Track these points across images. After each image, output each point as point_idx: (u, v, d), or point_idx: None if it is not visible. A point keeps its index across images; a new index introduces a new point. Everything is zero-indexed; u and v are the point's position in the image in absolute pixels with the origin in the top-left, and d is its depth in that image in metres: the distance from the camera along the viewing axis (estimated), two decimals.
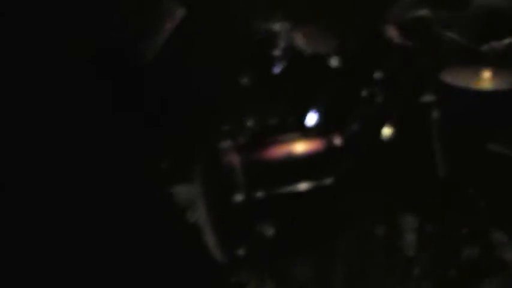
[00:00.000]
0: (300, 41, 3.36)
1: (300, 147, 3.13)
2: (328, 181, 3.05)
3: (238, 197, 2.87)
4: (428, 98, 2.84)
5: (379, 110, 3.02)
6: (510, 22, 3.46)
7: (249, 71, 3.29)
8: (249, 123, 3.23)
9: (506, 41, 3.31)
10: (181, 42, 3.78)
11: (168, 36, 3.81)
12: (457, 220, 3.12)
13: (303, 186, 3.04)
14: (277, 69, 3.22)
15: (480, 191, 3.15)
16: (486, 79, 2.96)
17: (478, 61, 3.06)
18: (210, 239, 3.06)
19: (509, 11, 3.49)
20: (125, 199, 3.46)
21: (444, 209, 3.08)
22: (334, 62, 3.17)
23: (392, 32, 3.52)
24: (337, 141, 3.10)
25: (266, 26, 3.43)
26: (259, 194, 2.93)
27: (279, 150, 3.10)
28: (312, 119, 3.17)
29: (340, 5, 4.44)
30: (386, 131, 2.96)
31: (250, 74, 3.28)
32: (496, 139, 3.46)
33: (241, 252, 2.92)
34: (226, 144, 3.02)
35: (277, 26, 3.40)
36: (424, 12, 3.10)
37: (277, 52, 3.26)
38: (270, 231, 2.90)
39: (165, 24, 3.86)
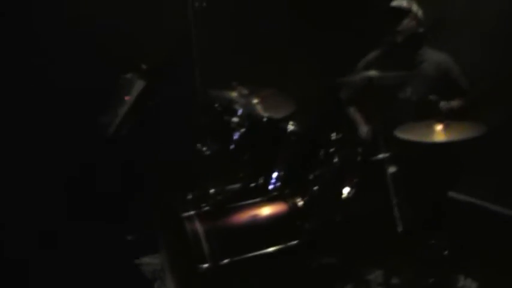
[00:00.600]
0: (257, 107, 3.43)
1: (264, 211, 3.15)
2: (294, 243, 3.08)
3: (205, 265, 2.86)
4: (383, 155, 2.90)
5: (338, 170, 3.07)
6: (456, 81, 3.64)
7: (209, 138, 3.33)
8: (212, 190, 3.26)
9: (455, 102, 3.47)
10: (140, 114, 3.83)
11: (128, 108, 3.86)
12: (423, 271, 3.16)
13: (269, 249, 3.05)
14: (236, 136, 3.27)
15: (442, 240, 3.21)
16: (439, 132, 3.05)
17: (430, 117, 3.15)
18: None
19: (455, 70, 3.66)
20: (93, 272, 3.43)
21: (409, 261, 3.12)
22: (291, 126, 3.24)
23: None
24: (300, 203, 3.14)
25: (224, 93, 3.50)
26: (226, 261, 2.93)
27: (243, 216, 3.11)
28: (273, 183, 3.21)
29: (296, 70, 4.59)
30: (346, 190, 3.01)
31: (210, 141, 3.32)
32: (451, 188, 3.56)
33: None
34: (190, 213, 3.03)
35: (234, 94, 3.48)
36: (373, 73, 3.20)
37: (235, 119, 3.31)
38: None
39: (125, 97, 3.91)
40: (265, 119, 3.31)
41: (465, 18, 4.13)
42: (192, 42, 4.25)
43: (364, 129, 3.76)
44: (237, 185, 3.34)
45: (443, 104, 3.47)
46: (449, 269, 3.20)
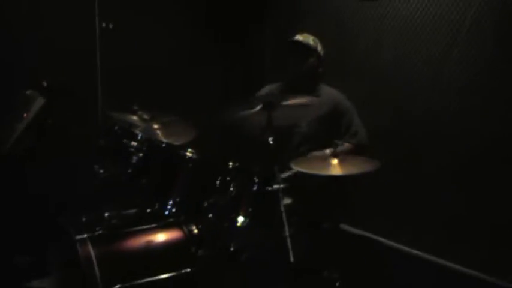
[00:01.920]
0: (158, 132, 3.42)
1: (159, 237, 3.14)
2: (187, 270, 3.08)
3: None
4: (278, 186, 2.95)
5: (232, 198, 3.10)
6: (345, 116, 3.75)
7: (106, 161, 3.28)
8: (107, 214, 3.21)
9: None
10: (38, 132, 3.73)
11: (26, 125, 3.75)
12: None
13: (163, 276, 3.03)
14: (134, 160, 3.24)
15: (334, 272, 3.29)
16: (334, 166, 3.15)
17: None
18: None
19: (343, 104, 3.78)
20: None
21: None
22: (189, 153, 3.25)
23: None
24: (195, 230, 3.15)
25: (124, 117, 3.48)
26: (118, 287, 2.88)
27: (137, 241, 3.09)
28: (169, 209, 3.20)
29: (196, 98, 4.63)
30: (240, 219, 3.05)
31: (107, 164, 3.27)
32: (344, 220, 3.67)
33: None
34: (83, 235, 2.96)
35: (135, 117, 3.46)
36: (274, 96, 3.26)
37: (134, 143, 3.28)
38: None
39: (24, 113, 3.80)
40: (164, 145, 3.30)
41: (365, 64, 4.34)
42: (97, 63, 4.21)
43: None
44: (132, 210, 3.30)
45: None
46: None
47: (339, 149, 3.36)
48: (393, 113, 4.09)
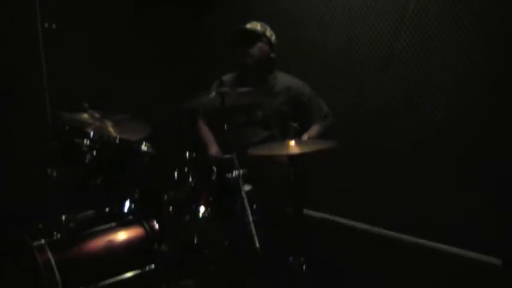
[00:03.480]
0: (110, 129, 3.34)
1: (120, 236, 3.07)
2: (152, 267, 3.02)
3: None
4: (237, 172, 2.92)
5: (192, 189, 3.05)
6: (308, 105, 3.75)
7: (59, 163, 3.18)
8: (63, 217, 3.11)
9: (305, 136, 3.58)
10: None
11: None
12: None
13: (128, 275, 2.97)
14: (88, 159, 3.16)
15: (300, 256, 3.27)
16: (291, 147, 3.14)
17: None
18: None
19: (306, 94, 3.77)
20: None
21: (270, 279, 3.14)
22: (145, 147, 3.19)
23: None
24: (156, 225, 3.09)
25: (75, 116, 3.38)
26: None
27: (98, 243, 3.01)
28: (127, 206, 3.14)
29: (144, 95, 4.58)
30: (201, 210, 3.00)
31: (60, 166, 3.17)
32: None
33: None
34: (40, 241, 2.87)
35: (86, 116, 3.37)
36: (225, 89, 3.22)
37: (87, 141, 3.20)
38: None
39: None
40: (117, 141, 3.23)
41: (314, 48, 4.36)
42: (41, 63, 4.11)
43: (214, 150, 3.77)
44: (90, 211, 3.21)
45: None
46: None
47: (311, 133, 3.39)
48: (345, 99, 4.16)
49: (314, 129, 3.70)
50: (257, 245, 2.78)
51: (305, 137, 3.56)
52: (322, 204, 4.34)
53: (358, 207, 4.22)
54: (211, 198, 3.03)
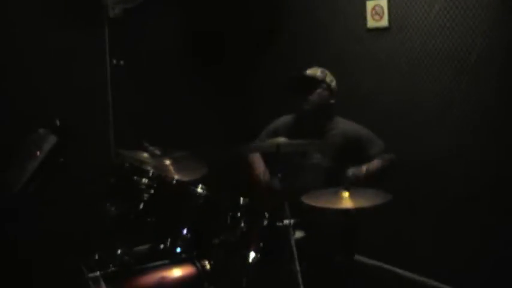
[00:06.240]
0: (169, 168, 3.44)
1: (172, 273, 3.14)
2: None
3: None
4: (289, 220, 2.94)
5: (243, 234, 3.11)
6: (362, 148, 3.73)
7: (117, 199, 3.30)
8: (119, 251, 3.21)
9: (364, 167, 3.54)
10: (49, 170, 3.77)
11: (38, 164, 3.78)
12: None
13: None
14: (145, 197, 3.26)
15: None
16: (345, 199, 3.12)
17: (336, 183, 3.21)
18: None
19: (364, 136, 3.75)
20: None
21: None
22: (200, 189, 3.27)
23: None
24: (207, 266, 3.15)
25: (135, 154, 3.50)
26: None
27: (151, 278, 3.09)
28: (180, 245, 3.22)
29: (208, 134, 4.68)
30: (251, 255, 3.04)
31: (118, 202, 3.29)
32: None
33: None
34: (95, 273, 2.97)
35: (145, 154, 3.48)
36: (282, 140, 3.25)
37: (145, 179, 3.31)
38: None
39: (36, 151, 3.84)
40: (174, 181, 3.32)
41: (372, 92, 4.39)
42: (108, 101, 4.26)
43: (261, 169, 3.76)
44: (145, 246, 3.31)
45: (350, 171, 3.51)
46: None
47: (371, 165, 3.45)
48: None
49: (375, 163, 3.60)
50: None
51: (363, 168, 3.52)
52: (374, 252, 4.31)
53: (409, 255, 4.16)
54: (261, 245, 3.08)
